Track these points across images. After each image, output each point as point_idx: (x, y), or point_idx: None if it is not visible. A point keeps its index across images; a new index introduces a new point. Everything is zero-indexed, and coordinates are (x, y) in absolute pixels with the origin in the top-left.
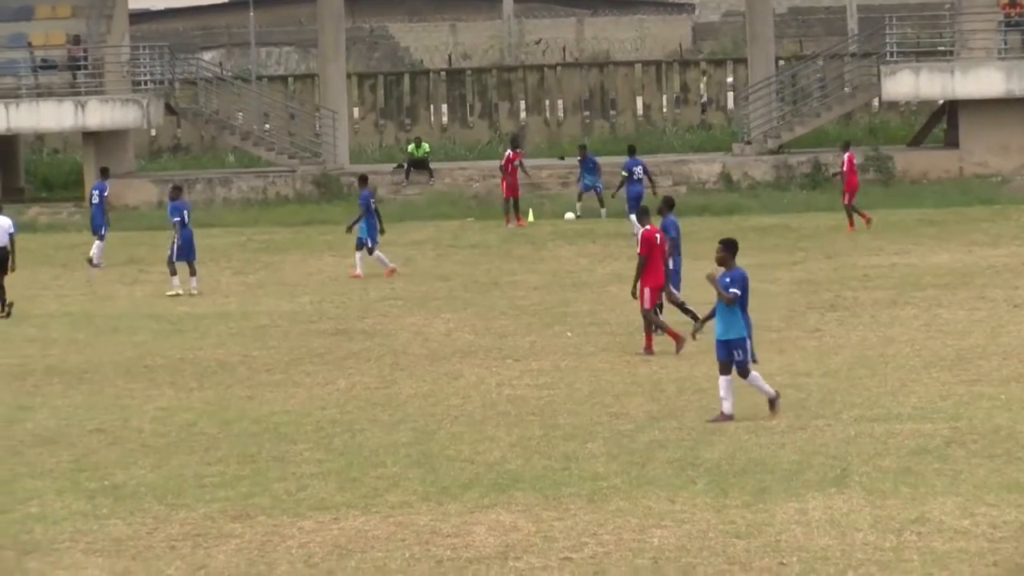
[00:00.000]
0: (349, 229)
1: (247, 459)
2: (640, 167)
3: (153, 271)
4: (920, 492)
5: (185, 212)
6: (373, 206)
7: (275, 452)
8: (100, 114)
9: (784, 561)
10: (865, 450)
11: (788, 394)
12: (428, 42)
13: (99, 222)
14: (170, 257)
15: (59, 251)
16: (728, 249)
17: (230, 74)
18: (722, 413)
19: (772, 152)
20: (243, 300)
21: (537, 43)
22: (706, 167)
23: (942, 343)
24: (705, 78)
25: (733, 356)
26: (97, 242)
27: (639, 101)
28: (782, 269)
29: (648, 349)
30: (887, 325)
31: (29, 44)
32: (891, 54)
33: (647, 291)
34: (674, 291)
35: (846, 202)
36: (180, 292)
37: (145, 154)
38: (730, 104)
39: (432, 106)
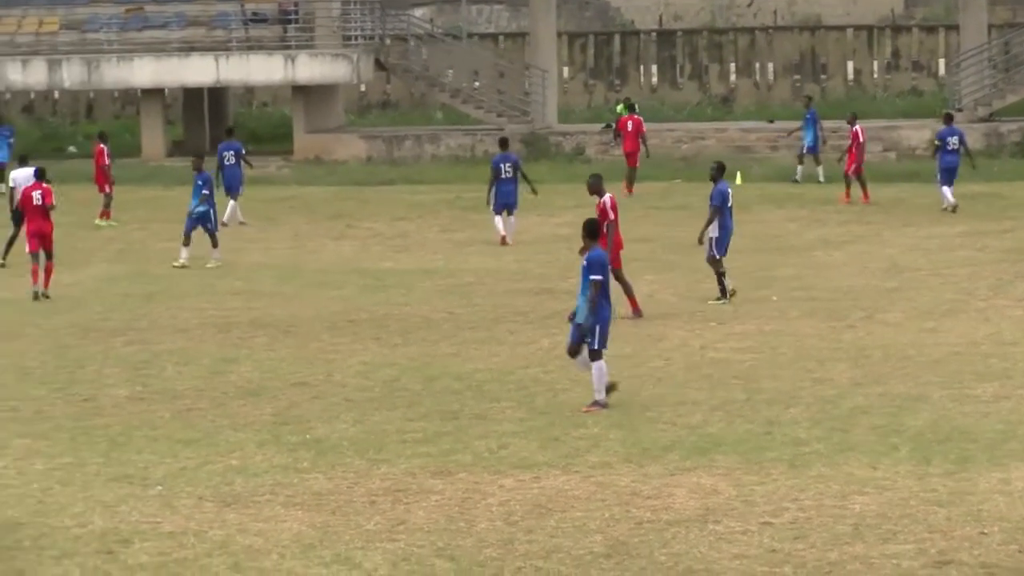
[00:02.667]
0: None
1: (449, 416)
2: (956, 136)
3: (360, 226)
4: None
5: (211, 183)
6: (521, 170)
7: (477, 409)
8: (310, 68)
9: (985, 531)
10: None
11: (992, 364)
12: (639, 2)
13: (236, 183)
14: (212, 227)
15: (266, 204)
16: (584, 230)
17: (440, 31)
18: (595, 402)
19: (983, 120)
20: (449, 257)
21: (748, 6)
22: (916, 133)
23: None
24: (917, 44)
25: (584, 340)
26: (232, 203)
27: (850, 66)
28: (991, 237)
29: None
30: None
31: None
32: None
33: (619, 255)
34: (718, 257)
35: (854, 172)
36: (187, 264)
37: (354, 109)
38: (941, 71)
39: (642, 67)
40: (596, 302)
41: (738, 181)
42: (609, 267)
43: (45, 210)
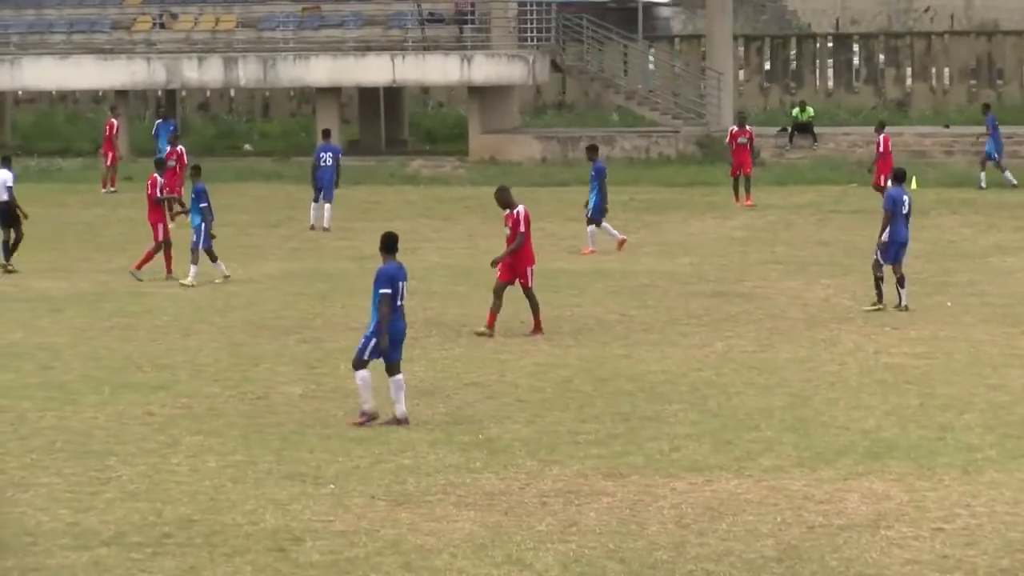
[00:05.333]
0: (586, 205)
1: (621, 417)
2: None
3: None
4: None
5: (208, 196)
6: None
7: (649, 411)
8: (486, 69)
9: None
10: None
11: None
12: (815, 5)
13: (330, 186)
14: (195, 244)
15: (441, 204)
16: (381, 243)
17: (616, 33)
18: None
19: None
20: (623, 259)
21: (926, 11)
22: None
23: None
24: None
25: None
26: (327, 206)
27: None
28: None
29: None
30: None
31: None
32: None
33: (529, 271)
34: (882, 264)
35: (885, 183)
36: (194, 283)
37: (529, 110)
38: None
39: (818, 70)
40: (387, 317)
41: (913, 186)
42: (402, 282)
43: None
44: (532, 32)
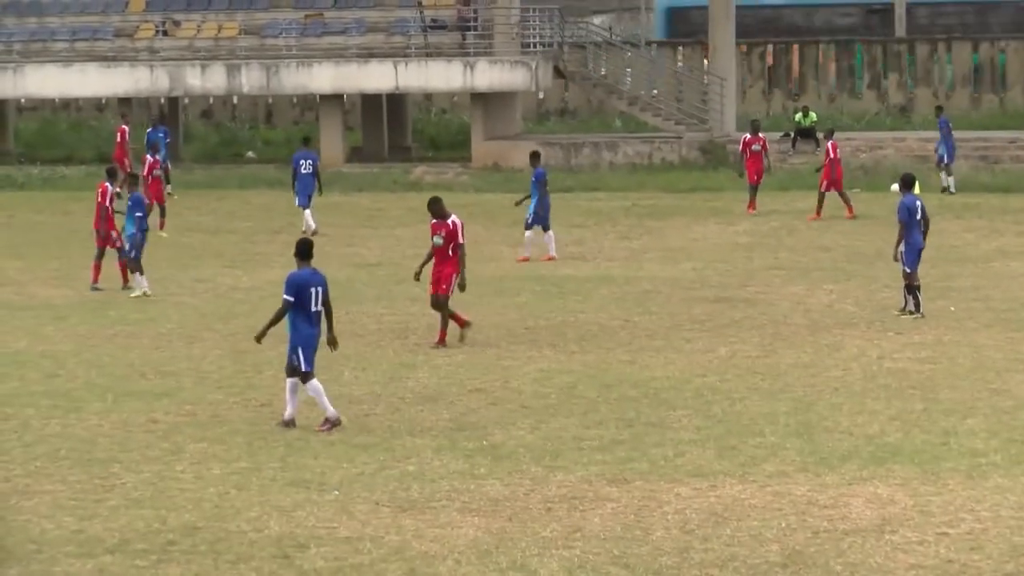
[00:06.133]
0: (518, 204)
1: (625, 423)
2: None
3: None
4: None
5: (144, 206)
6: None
7: (653, 417)
8: (488, 75)
9: None
10: None
11: None
12: None
13: (310, 192)
14: (127, 253)
15: None
16: (296, 249)
17: (619, 39)
18: (283, 419)
19: None
20: (626, 264)
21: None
22: None
23: None
24: None
25: (292, 360)
26: (307, 212)
27: None
28: None
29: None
30: None
31: (419, 4)
32: None
33: (454, 277)
34: (910, 271)
35: (826, 189)
36: (149, 292)
37: (532, 116)
38: None
39: (820, 75)
40: (276, 322)
41: (916, 190)
42: (316, 288)
43: None
44: (535, 38)
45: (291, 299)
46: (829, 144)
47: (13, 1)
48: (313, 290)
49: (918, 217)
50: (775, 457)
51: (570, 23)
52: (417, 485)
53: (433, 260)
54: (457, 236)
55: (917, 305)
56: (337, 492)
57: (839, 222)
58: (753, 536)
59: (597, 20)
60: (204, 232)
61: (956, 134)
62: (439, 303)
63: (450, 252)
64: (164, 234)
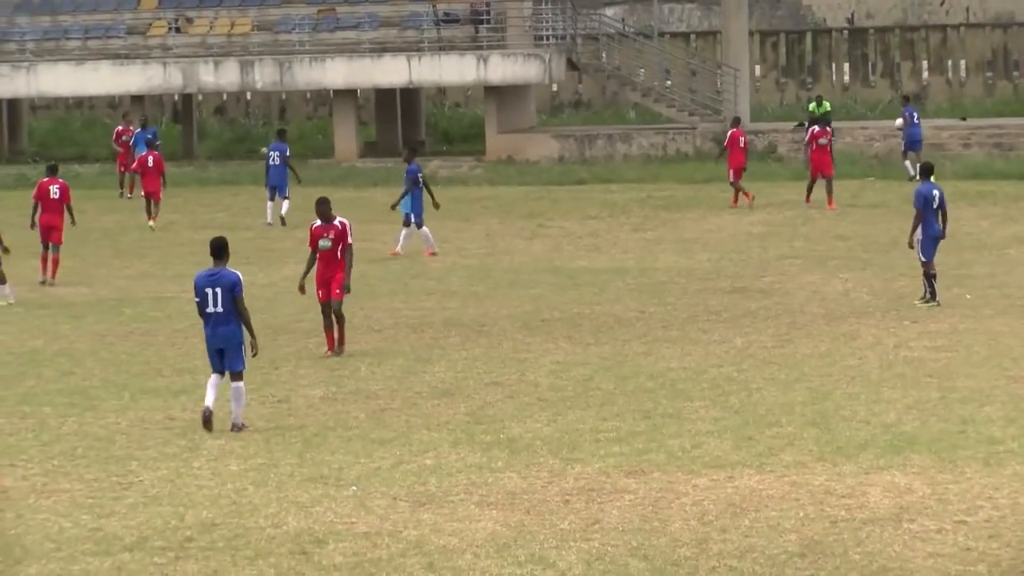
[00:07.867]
0: (393, 207)
1: (642, 415)
2: None
3: (552, 226)
4: None
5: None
6: (421, 181)
7: (670, 409)
8: (502, 69)
9: None
10: None
11: None
12: (831, 0)
13: (283, 183)
14: None
15: (459, 204)
16: (211, 248)
17: (632, 30)
18: (204, 409)
19: None
20: (641, 256)
21: (941, 4)
22: None
23: None
24: None
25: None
26: (285, 202)
27: None
28: None
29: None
30: None
31: None
32: None
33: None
34: (926, 260)
35: (732, 179)
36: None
37: (546, 109)
38: None
39: (834, 65)
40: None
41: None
42: (213, 288)
43: (59, 205)
44: (548, 31)
45: (197, 300)
46: (730, 132)
47: (26, 0)
48: (211, 290)
49: (935, 206)
50: (792, 447)
51: (583, 15)
52: (435, 479)
53: (317, 265)
54: (346, 237)
55: (933, 293)
56: (355, 487)
57: (855, 211)
58: (771, 526)
59: (610, 12)
60: (218, 229)
61: (971, 121)
62: (334, 308)
63: (339, 255)
64: (152, 224)
